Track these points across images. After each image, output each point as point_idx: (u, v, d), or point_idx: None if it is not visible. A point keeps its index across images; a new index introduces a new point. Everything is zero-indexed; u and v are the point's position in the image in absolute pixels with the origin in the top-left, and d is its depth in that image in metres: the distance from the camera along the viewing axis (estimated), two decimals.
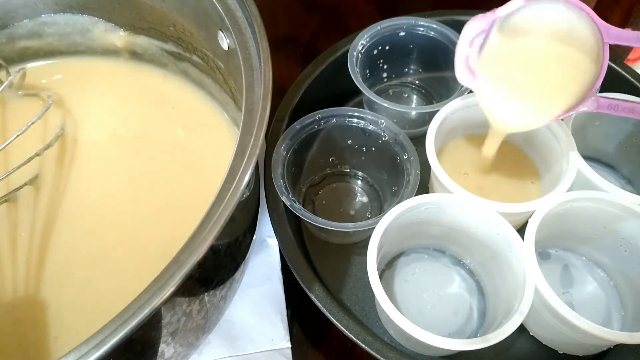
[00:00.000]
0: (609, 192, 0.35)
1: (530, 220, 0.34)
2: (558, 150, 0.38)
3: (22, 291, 0.33)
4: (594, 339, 0.31)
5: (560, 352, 0.36)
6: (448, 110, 0.39)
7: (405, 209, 0.34)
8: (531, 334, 0.37)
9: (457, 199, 0.35)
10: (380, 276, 0.32)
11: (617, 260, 0.37)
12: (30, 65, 0.41)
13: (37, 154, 0.35)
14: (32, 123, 0.34)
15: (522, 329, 0.37)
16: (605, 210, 0.35)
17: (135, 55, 0.42)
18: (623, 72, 0.45)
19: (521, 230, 0.34)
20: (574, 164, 0.36)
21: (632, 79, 0.44)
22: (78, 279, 0.33)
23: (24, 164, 0.34)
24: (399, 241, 0.38)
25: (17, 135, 0.34)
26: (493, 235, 0.35)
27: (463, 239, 0.37)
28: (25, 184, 0.36)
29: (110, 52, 0.42)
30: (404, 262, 0.39)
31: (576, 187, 0.35)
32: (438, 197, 0.35)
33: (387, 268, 0.39)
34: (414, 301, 0.37)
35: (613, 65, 0.45)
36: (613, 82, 0.43)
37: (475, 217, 0.35)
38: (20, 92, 0.40)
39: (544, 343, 0.37)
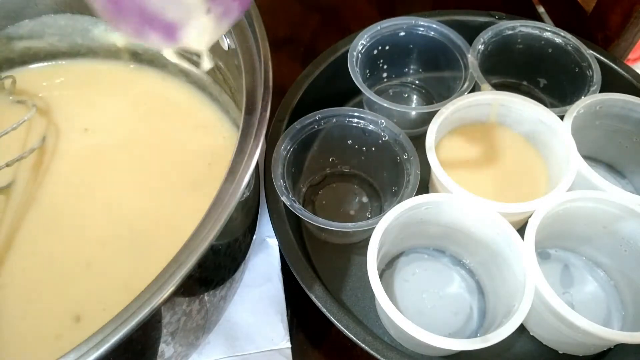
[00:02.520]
0: (609, 192, 0.35)
1: (530, 220, 0.34)
2: (558, 150, 0.38)
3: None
4: (595, 339, 0.31)
5: (561, 352, 0.36)
6: (448, 111, 0.39)
7: (405, 209, 0.34)
8: (531, 334, 0.37)
9: (457, 199, 0.35)
10: (380, 276, 0.32)
11: (617, 260, 0.37)
12: (32, 67, 0.41)
13: (7, 164, 0.35)
14: (6, 133, 0.35)
15: (522, 328, 0.37)
16: (605, 210, 0.35)
17: (135, 56, 0.42)
18: (623, 72, 0.45)
19: (521, 230, 0.34)
20: (574, 164, 0.36)
21: (632, 79, 0.44)
22: (73, 282, 0.33)
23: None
24: (399, 241, 0.38)
25: None
26: (493, 235, 0.35)
27: (463, 238, 0.37)
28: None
29: (111, 54, 0.42)
30: (404, 262, 0.39)
31: (576, 187, 0.35)
32: (438, 197, 0.35)
33: (387, 268, 0.39)
34: (414, 301, 0.37)
35: (613, 65, 0.45)
36: (613, 82, 0.43)
37: (475, 217, 0.35)
38: (11, 98, 0.40)
39: (544, 343, 0.37)
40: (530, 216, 0.34)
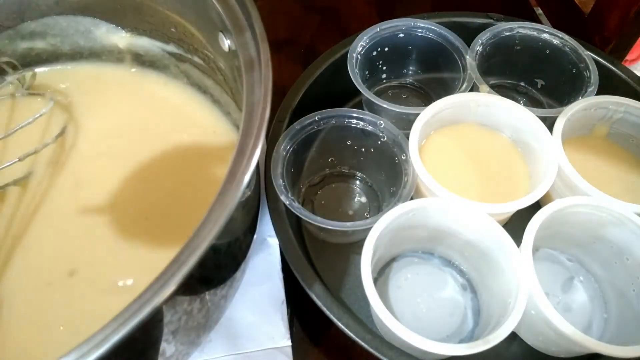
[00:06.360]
0: (593, 196, 0.35)
1: (528, 226, 0.34)
2: (538, 150, 0.39)
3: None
4: (581, 348, 0.31)
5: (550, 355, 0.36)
6: (429, 114, 0.39)
7: (394, 217, 0.34)
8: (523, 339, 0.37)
9: (444, 203, 0.35)
10: (374, 285, 0.32)
11: (601, 264, 0.38)
12: (36, 71, 0.42)
13: (19, 159, 0.35)
14: (21, 127, 0.35)
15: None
16: (597, 216, 0.35)
17: (137, 58, 0.42)
18: (620, 73, 0.45)
19: (506, 227, 0.34)
20: (554, 164, 0.37)
21: (630, 81, 0.44)
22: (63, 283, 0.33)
23: (12, 163, 0.35)
24: (389, 248, 0.38)
25: (6, 136, 0.35)
26: (481, 235, 0.35)
27: (452, 240, 0.37)
28: (8, 184, 0.37)
29: (113, 56, 0.42)
30: (395, 268, 0.39)
31: (564, 193, 0.36)
32: (425, 202, 0.35)
33: (379, 276, 0.39)
34: (409, 307, 0.37)
35: (610, 66, 0.45)
36: (610, 84, 0.44)
37: (462, 218, 0.35)
38: (27, 91, 0.41)
39: (535, 349, 0.37)
40: (511, 215, 0.34)
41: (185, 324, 0.27)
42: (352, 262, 0.40)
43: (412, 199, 0.36)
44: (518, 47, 0.47)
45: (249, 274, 0.37)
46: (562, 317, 0.30)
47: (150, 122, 0.40)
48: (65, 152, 0.39)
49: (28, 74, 0.40)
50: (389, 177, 0.41)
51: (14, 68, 0.40)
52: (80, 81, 0.42)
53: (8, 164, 0.35)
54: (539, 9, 0.60)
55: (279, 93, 0.41)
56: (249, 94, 0.27)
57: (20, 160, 0.35)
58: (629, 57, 0.52)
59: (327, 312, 0.33)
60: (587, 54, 0.44)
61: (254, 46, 0.29)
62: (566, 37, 0.45)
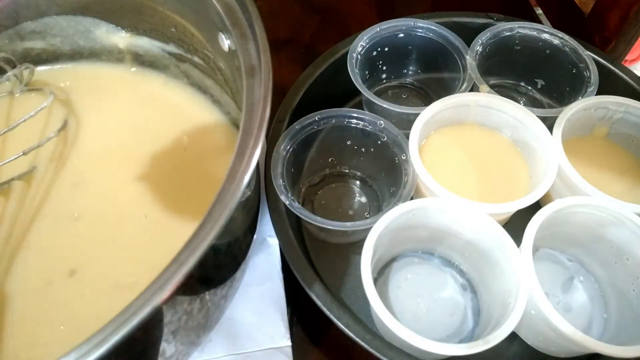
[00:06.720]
0: (593, 196, 0.35)
1: (528, 227, 0.34)
2: (538, 149, 0.38)
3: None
4: (581, 348, 0.31)
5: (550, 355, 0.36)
6: (429, 115, 0.39)
7: (394, 217, 0.34)
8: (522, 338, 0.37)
9: (444, 203, 0.35)
10: (374, 285, 0.32)
11: (601, 264, 0.38)
12: (37, 70, 0.42)
13: (23, 153, 0.35)
14: (25, 120, 0.35)
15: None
16: (595, 215, 0.35)
17: (137, 58, 0.42)
18: (620, 73, 0.45)
19: (506, 227, 0.34)
20: (554, 164, 0.37)
21: (630, 81, 0.44)
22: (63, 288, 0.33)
23: (17, 157, 0.35)
24: (389, 249, 0.38)
25: (8, 130, 0.35)
26: (481, 235, 0.35)
27: (452, 240, 0.37)
28: (13, 178, 0.37)
29: (113, 56, 0.42)
30: (395, 268, 0.39)
31: (563, 193, 0.36)
32: (425, 202, 0.35)
33: (379, 276, 0.39)
34: (409, 307, 0.37)
35: (610, 66, 0.45)
36: (610, 84, 0.44)
37: (462, 219, 0.35)
38: (25, 87, 0.40)
39: (535, 349, 0.37)
40: (511, 215, 0.34)
41: (185, 324, 0.27)
42: (352, 262, 0.40)
43: (412, 199, 0.36)
44: (518, 47, 0.47)
45: (249, 274, 0.37)
46: (562, 317, 0.30)
47: (150, 122, 0.40)
48: (66, 149, 0.39)
49: (26, 70, 0.40)
50: (389, 177, 0.41)
51: (11, 64, 0.40)
52: (80, 81, 0.42)
53: (13, 157, 0.35)
54: (539, 9, 0.60)
55: (279, 93, 0.41)
56: (249, 94, 0.28)
57: (24, 154, 0.35)
58: (629, 57, 0.52)
59: (327, 312, 0.33)
60: (587, 54, 0.44)
61: (254, 46, 0.29)
62: (566, 37, 0.45)
